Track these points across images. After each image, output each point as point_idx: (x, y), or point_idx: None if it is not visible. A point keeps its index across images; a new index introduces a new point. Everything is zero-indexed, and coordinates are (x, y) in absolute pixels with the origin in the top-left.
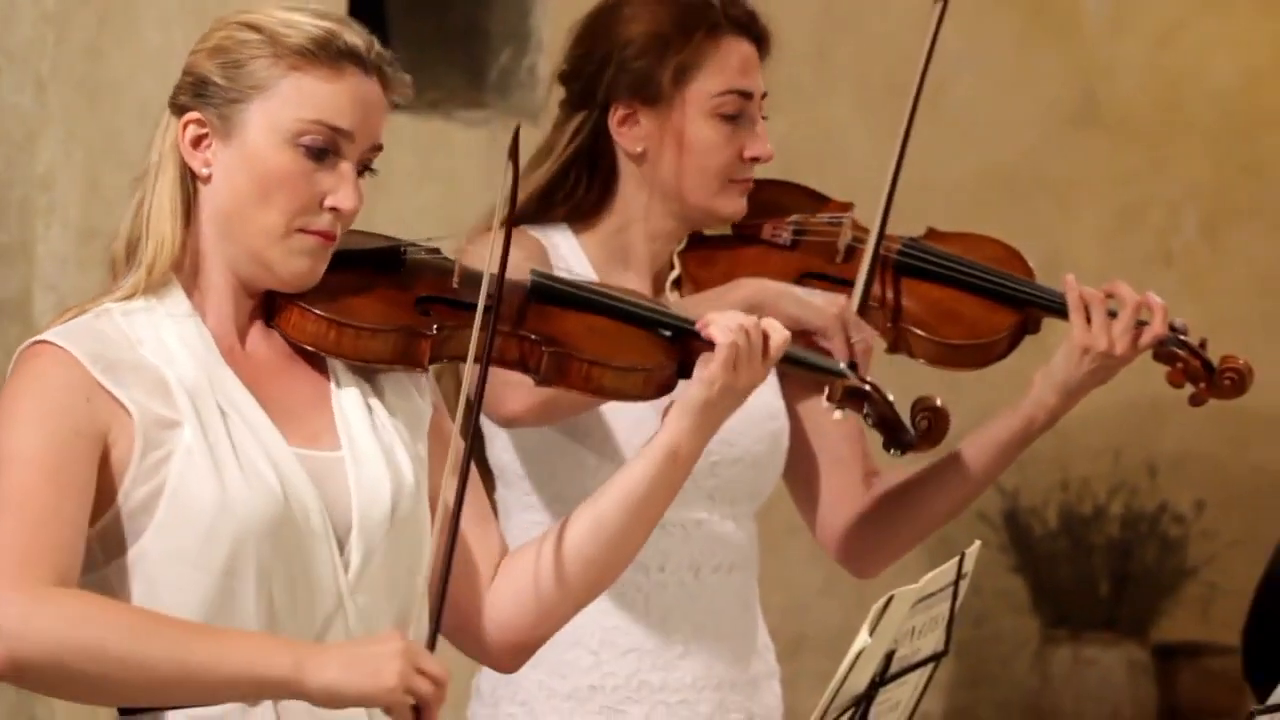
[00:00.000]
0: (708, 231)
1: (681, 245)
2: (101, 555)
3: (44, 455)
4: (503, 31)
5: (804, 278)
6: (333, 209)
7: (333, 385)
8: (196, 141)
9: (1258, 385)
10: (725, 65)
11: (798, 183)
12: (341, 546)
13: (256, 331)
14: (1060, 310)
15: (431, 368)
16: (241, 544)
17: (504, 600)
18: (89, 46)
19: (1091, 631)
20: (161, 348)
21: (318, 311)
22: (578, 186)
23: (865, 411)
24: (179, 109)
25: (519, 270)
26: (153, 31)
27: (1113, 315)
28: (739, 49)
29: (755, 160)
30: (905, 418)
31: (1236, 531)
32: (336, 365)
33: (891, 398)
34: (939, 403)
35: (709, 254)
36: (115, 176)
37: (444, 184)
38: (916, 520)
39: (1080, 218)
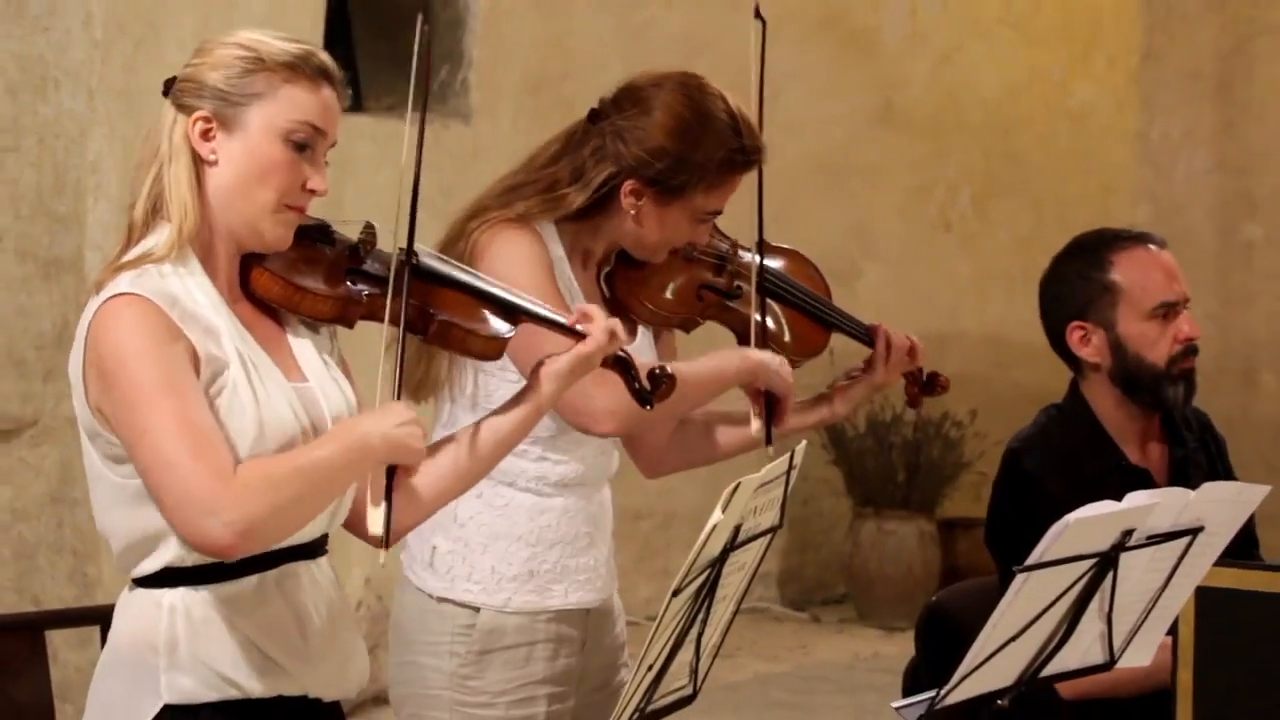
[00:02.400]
0: None
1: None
2: None
3: (174, 380)
4: (442, 52)
5: (703, 288)
6: (311, 190)
7: (289, 333)
8: (204, 134)
9: (1016, 321)
10: (724, 194)
11: None
12: None
13: (234, 290)
14: (866, 340)
15: None
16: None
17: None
18: (127, 65)
19: (891, 509)
20: (196, 304)
21: (284, 277)
22: (585, 208)
23: (629, 376)
24: (186, 109)
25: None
26: (175, 54)
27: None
28: (738, 182)
29: (694, 246)
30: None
31: (1001, 433)
32: (288, 316)
33: (642, 374)
34: (670, 369)
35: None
36: None
37: (396, 169)
38: (707, 447)
39: (881, 194)
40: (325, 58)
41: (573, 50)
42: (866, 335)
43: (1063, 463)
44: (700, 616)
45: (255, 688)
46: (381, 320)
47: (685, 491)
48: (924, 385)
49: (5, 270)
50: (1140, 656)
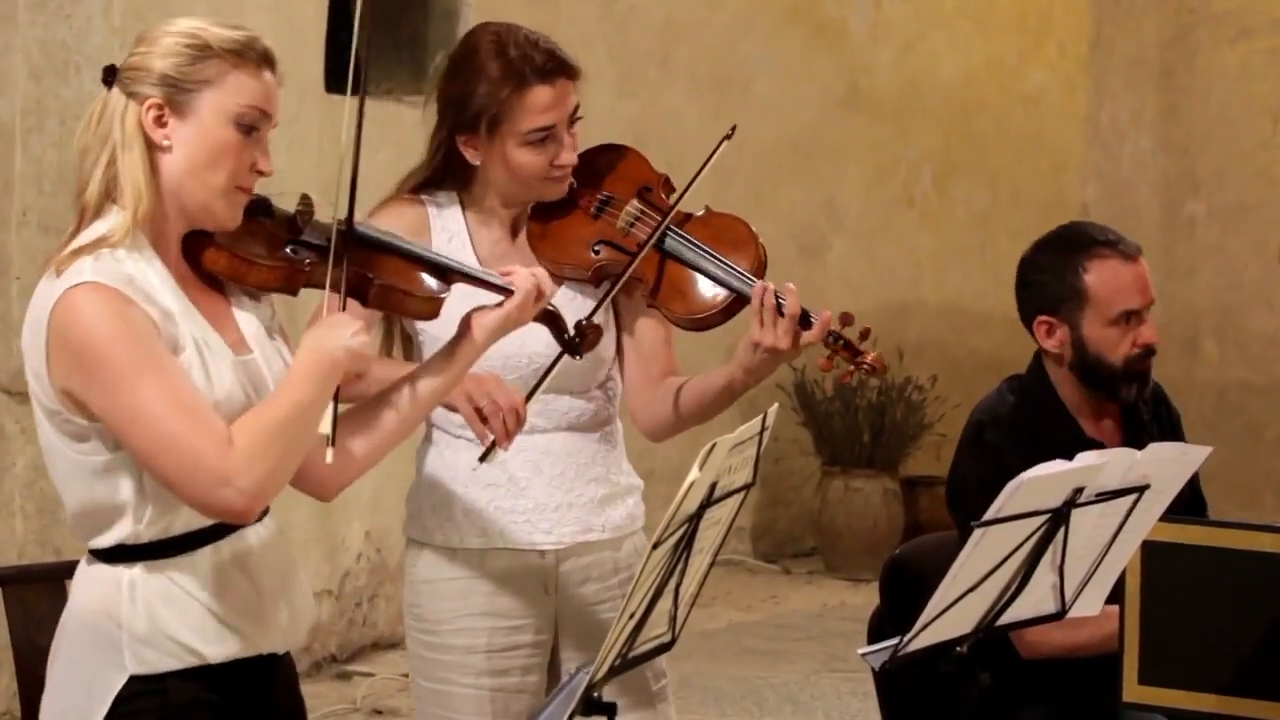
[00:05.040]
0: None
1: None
2: (112, 443)
3: (153, 359)
4: (437, 39)
5: (599, 243)
6: (259, 171)
7: (233, 305)
8: (157, 120)
9: (972, 291)
10: (529, 111)
11: (640, 153)
12: None
13: (181, 267)
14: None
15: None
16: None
17: (338, 454)
18: None
19: (857, 468)
20: (151, 287)
21: (230, 250)
22: (449, 176)
23: (558, 329)
24: (137, 96)
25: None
26: None
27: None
28: (540, 96)
29: (565, 166)
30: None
31: (959, 397)
32: (233, 288)
33: (569, 326)
34: (596, 320)
35: (545, 212)
36: None
37: (395, 150)
38: (683, 411)
39: (848, 173)
40: (264, 44)
41: (559, 38)
42: (745, 297)
43: (1023, 437)
44: (679, 568)
45: (216, 653)
46: (324, 287)
47: (663, 451)
48: (847, 357)
49: (29, 243)
50: (1090, 606)
